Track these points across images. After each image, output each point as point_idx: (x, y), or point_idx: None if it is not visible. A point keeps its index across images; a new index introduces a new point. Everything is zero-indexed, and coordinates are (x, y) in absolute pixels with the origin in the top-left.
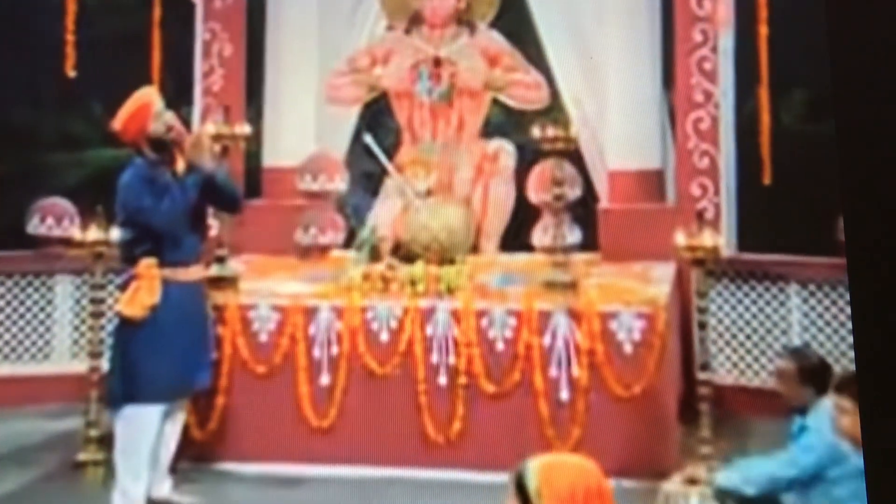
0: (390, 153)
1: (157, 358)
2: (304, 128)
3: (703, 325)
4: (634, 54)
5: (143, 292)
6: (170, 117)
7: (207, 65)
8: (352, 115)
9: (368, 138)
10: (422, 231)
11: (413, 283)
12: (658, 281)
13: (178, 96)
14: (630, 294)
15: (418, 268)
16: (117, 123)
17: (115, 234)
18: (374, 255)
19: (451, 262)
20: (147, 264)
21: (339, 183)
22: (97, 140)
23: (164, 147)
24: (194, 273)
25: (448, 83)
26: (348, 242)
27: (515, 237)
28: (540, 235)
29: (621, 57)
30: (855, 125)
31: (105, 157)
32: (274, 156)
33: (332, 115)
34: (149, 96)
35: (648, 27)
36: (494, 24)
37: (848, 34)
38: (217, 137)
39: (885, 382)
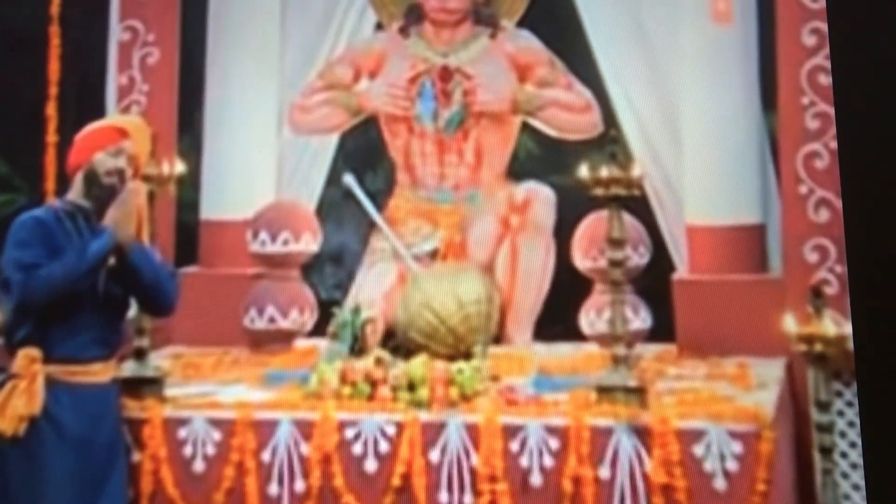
0: (380, 201)
1: (36, 497)
2: (259, 166)
3: (826, 450)
4: (721, 63)
5: (17, 397)
6: (122, 162)
7: (125, 77)
8: (327, 148)
9: (350, 180)
10: (424, 311)
11: (412, 386)
12: (760, 385)
13: (84, 119)
14: (721, 404)
15: (419, 364)
16: (79, 136)
17: None
18: (358, 347)
19: (467, 356)
20: (27, 356)
21: (309, 243)
22: None
23: (95, 196)
24: (99, 373)
25: (461, 103)
26: (320, 328)
27: (556, 321)
28: (591, 318)
29: (702, 67)
30: (857, 129)
31: None
32: (216, 205)
33: (298, 149)
34: (132, 126)
35: (740, 26)
36: (525, 22)
37: (850, 37)
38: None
39: (885, 384)
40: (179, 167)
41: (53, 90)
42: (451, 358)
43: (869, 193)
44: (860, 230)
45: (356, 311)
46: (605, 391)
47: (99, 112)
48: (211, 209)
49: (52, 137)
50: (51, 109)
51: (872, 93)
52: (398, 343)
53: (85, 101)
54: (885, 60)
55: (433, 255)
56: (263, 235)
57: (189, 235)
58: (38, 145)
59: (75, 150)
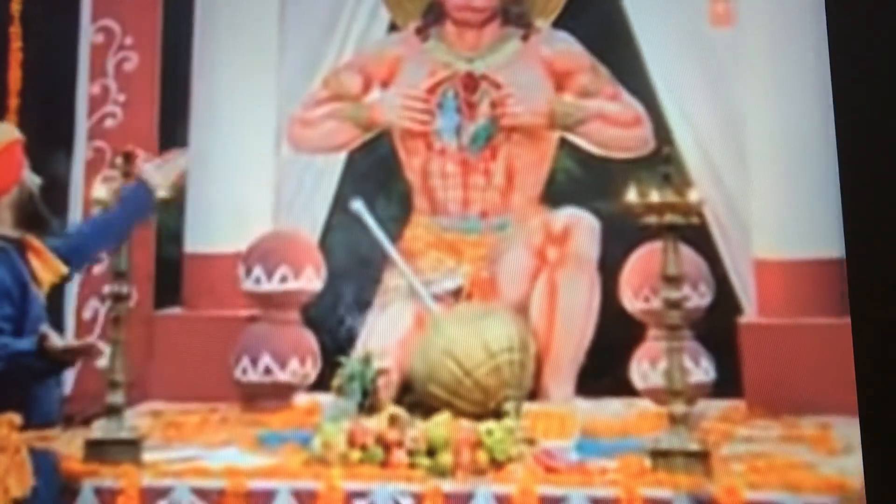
0: (394, 230)
1: None
2: (253, 190)
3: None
4: (792, 70)
5: (9, 477)
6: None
7: (98, 86)
8: (333, 168)
9: (358, 206)
10: (446, 361)
11: (433, 450)
12: (846, 449)
13: (48, 135)
14: (799, 472)
15: (441, 424)
16: None
17: None
18: (368, 403)
19: (497, 414)
20: (4, 423)
21: (311, 280)
22: None
23: (29, 222)
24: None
25: (488, 116)
26: (324, 381)
27: (603, 373)
28: (644, 370)
29: (770, 76)
30: (855, 129)
31: None
32: (203, 236)
33: (299, 169)
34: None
35: (812, 26)
36: (562, 22)
37: (848, 37)
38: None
39: (885, 386)
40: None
41: (14, 101)
42: (479, 417)
43: (869, 193)
44: (860, 230)
45: (366, 360)
46: (661, 456)
47: (67, 126)
48: (197, 240)
49: None
50: (10, 124)
51: (872, 93)
52: (416, 399)
53: (51, 115)
54: (885, 60)
55: (457, 294)
56: (258, 271)
57: (171, 271)
58: None
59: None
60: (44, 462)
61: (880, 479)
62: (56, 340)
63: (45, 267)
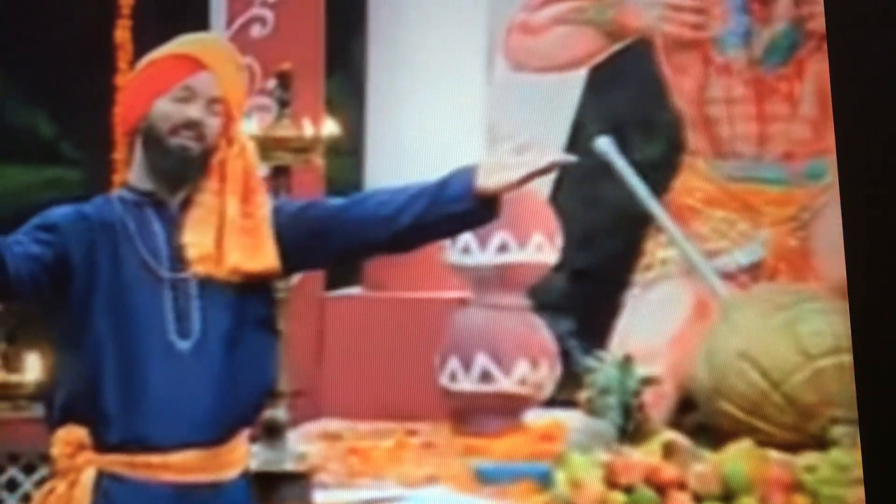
0: (658, 181)
1: None
2: (457, 124)
3: None
4: None
5: None
6: (194, 110)
7: None
8: (568, 92)
9: (606, 146)
10: (743, 367)
11: (729, 494)
12: None
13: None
14: None
15: (740, 456)
16: (131, 76)
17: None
18: (632, 425)
19: (821, 443)
20: (67, 441)
21: (542, 250)
22: None
23: (162, 170)
24: (199, 467)
25: (790, 19)
26: (566, 391)
27: None
28: None
29: None
30: (855, 125)
31: (6, 184)
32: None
33: (520, 95)
34: (207, 50)
35: None
36: None
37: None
38: (273, 145)
39: (885, 386)
40: (329, 127)
41: (126, 4)
42: (793, 446)
43: (869, 194)
44: (860, 230)
45: (626, 365)
46: None
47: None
48: None
49: (123, 79)
50: (121, 34)
51: (872, 94)
52: (701, 420)
53: (175, 20)
54: (884, 61)
55: (755, 270)
56: (466, 237)
57: None
58: (101, 93)
59: (127, 98)
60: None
61: (880, 479)
62: None
63: (239, 245)
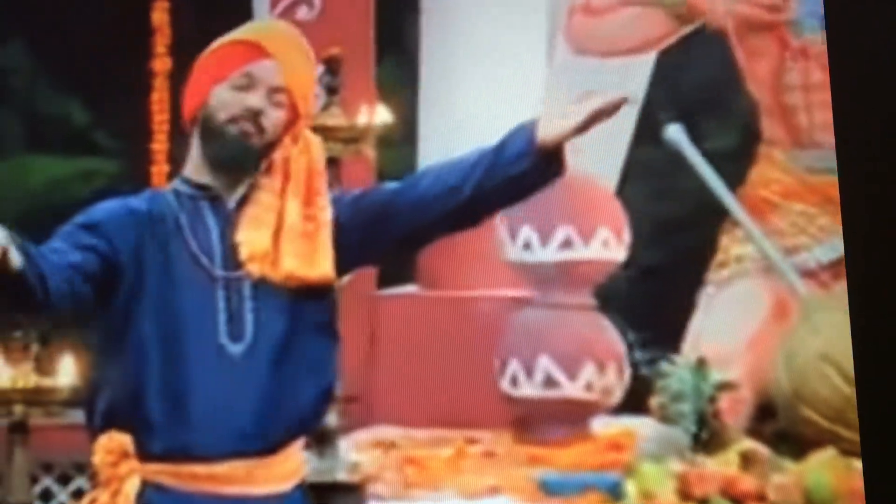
0: (733, 172)
1: None
2: (514, 112)
3: None
4: None
5: None
6: (255, 99)
7: None
8: (634, 78)
9: (676, 134)
10: (827, 370)
11: None
12: None
13: (215, 33)
14: None
15: (825, 466)
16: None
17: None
18: (706, 433)
19: None
20: (110, 448)
21: (608, 246)
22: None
23: (219, 160)
24: (250, 479)
25: None
26: (635, 397)
27: None
28: None
29: None
30: (856, 127)
31: (35, 176)
32: None
33: (583, 80)
34: (273, 37)
35: None
36: None
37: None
38: (321, 135)
39: (885, 385)
40: (381, 115)
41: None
42: None
43: (868, 195)
44: (860, 230)
45: (700, 369)
46: None
47: (243, 18)
48: None
49: (161, 63)
50: (159, 16)
51: (872, 94)
52: (781, 428)
53: (215, 2)
54: (884, 61)
55: (836, 267)
56: (527, 233)
57: None
58: (138, 78)
59: (188, 87)
60: None
61: (880, 479)
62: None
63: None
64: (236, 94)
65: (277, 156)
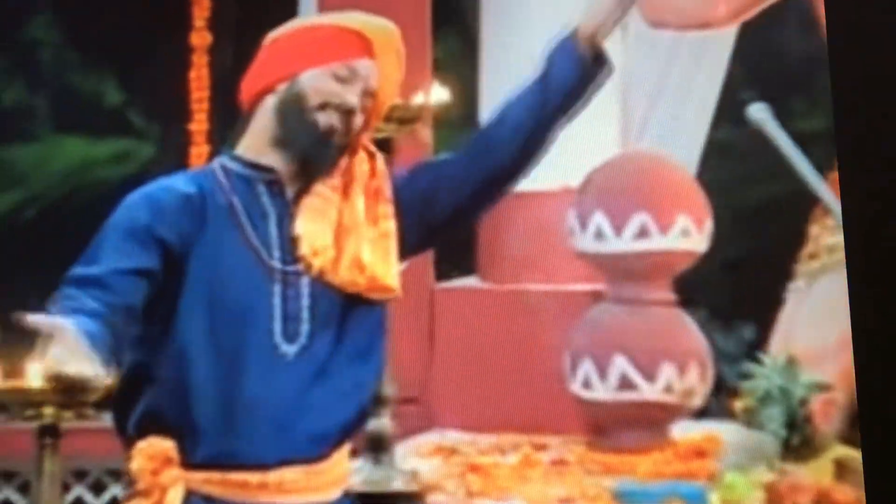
0: (823, 156)
1: None
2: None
3: None
4: None
5: None
6: (352, 96)
7: None
8: (716, 52)
9: (762, 114)
10: None
11: None
12: None
13: (258, 8)
14: None
15: None
16: (278, 37)
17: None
18: (799, 438)
19: None
20: (150, 455)
21: (689, 236)
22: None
23: (297, 145)
24: (288, 484)
25: None
26: (719, 402)
27: None
28: None
29: None
30: (855, 126)
31: (65, 158)
32: None
33: (661, 56)
34: (380, 35)
35: None
36: None
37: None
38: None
39: (885, 384)
40: (438, 94)
41: None
42: None
43: (869, 196)
44: (860, 230)
45: (790, 369)
46: None
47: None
48: None
49: (200, 38)
50: None
51: (872, 94)
52: None
53: None
54: (884, 61)
55: None
56: (599, 220)
57: None
58: (176, 55)
59: (267, 59)
60: None
61: (880, 479)
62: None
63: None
64: (336, 84)
65: (343, 160)
